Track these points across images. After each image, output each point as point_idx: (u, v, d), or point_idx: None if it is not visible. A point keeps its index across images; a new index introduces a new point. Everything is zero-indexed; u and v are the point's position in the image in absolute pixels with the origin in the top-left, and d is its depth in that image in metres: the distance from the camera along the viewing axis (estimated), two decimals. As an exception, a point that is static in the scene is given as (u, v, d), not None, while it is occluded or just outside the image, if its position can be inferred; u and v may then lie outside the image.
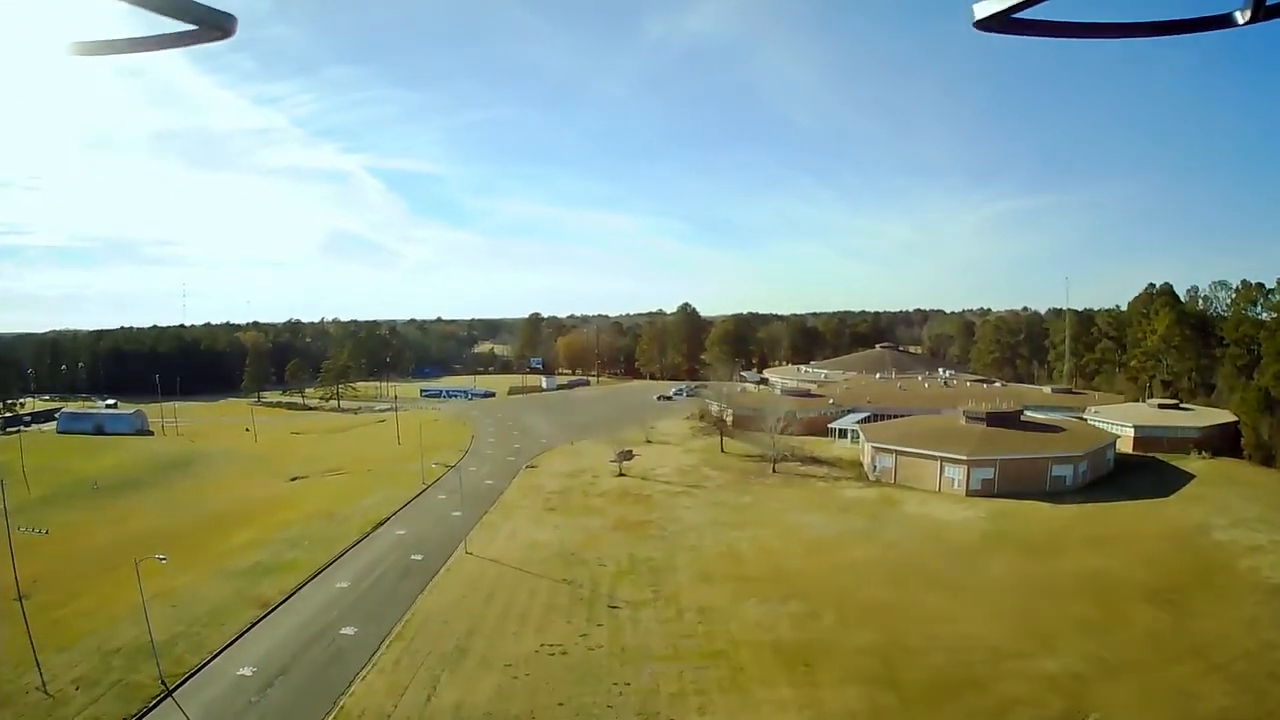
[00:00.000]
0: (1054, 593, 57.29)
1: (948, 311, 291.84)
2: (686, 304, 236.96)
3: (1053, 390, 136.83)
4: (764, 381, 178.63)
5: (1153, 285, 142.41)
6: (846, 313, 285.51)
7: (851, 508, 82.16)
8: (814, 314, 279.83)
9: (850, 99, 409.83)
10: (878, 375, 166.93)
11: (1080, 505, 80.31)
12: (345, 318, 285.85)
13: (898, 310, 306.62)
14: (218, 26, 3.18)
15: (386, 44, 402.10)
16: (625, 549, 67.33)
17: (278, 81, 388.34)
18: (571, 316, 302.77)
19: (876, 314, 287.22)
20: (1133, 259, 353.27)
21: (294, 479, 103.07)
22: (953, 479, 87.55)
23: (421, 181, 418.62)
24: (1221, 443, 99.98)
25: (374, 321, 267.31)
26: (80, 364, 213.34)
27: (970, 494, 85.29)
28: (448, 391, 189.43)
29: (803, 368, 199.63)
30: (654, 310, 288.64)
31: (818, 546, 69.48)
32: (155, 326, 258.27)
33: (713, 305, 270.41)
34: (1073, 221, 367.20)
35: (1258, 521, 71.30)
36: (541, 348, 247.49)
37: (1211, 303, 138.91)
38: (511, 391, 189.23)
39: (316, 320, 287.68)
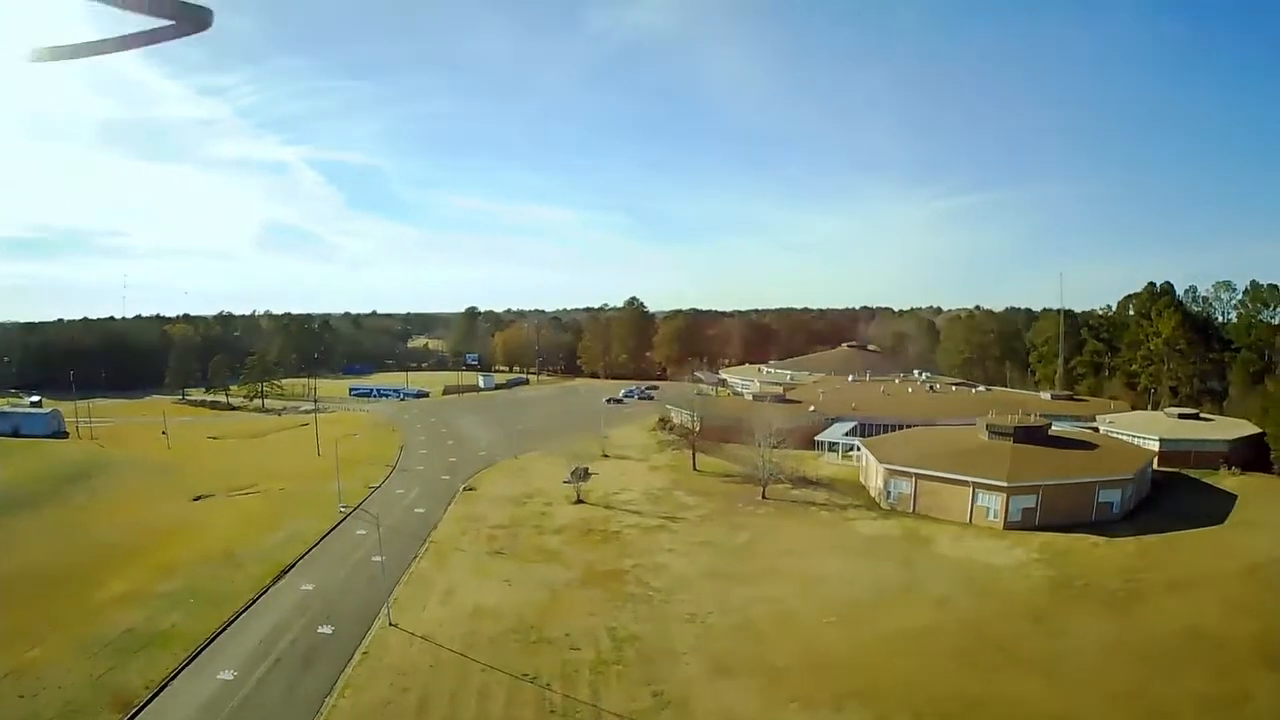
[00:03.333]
0: (1160, 661, 50.44)
1: (895, 309, 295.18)
2: (634, 299, 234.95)
3: (1052, 396, 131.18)
4: (722, 383, 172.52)
5: (1153, 285, 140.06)
6: (799, 309, 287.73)
7: (875, 549, 73.36)
8: (757, 310, 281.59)
9: (794, 93, 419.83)
10: (850, 378, 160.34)
11: (1138, 538, 74.01)
12: (281, 311, 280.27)
13: (843, 307, 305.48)
14: (194, 20, 3.24)
15: (332, 34, 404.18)
16: (602, 618, 55.24)
17: (224, 72, 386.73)
18: (509, 311, 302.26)
19: (824, 311, 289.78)
20: (1083, 257, 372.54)
21: (198, 498, 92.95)
22: (987, 508, 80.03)
23: (360, 174, 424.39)
24: (1248, 456, 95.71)
25: (307, 315, 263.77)
26: (5, 359, 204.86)
27: (1009, 526, 77.88)
28: (378, 390, 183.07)
29: (763, 368, 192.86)
30: (594, 305, 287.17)
31: (854, 610, 59.71)
32: (85, 319, 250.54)
33: (655, 301, 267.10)
34: (1023, 219, 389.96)
35: None
36: (478, 343, 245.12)
37: (1212, 305, 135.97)
38: (446, 391, 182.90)
39: (249, 313, 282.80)
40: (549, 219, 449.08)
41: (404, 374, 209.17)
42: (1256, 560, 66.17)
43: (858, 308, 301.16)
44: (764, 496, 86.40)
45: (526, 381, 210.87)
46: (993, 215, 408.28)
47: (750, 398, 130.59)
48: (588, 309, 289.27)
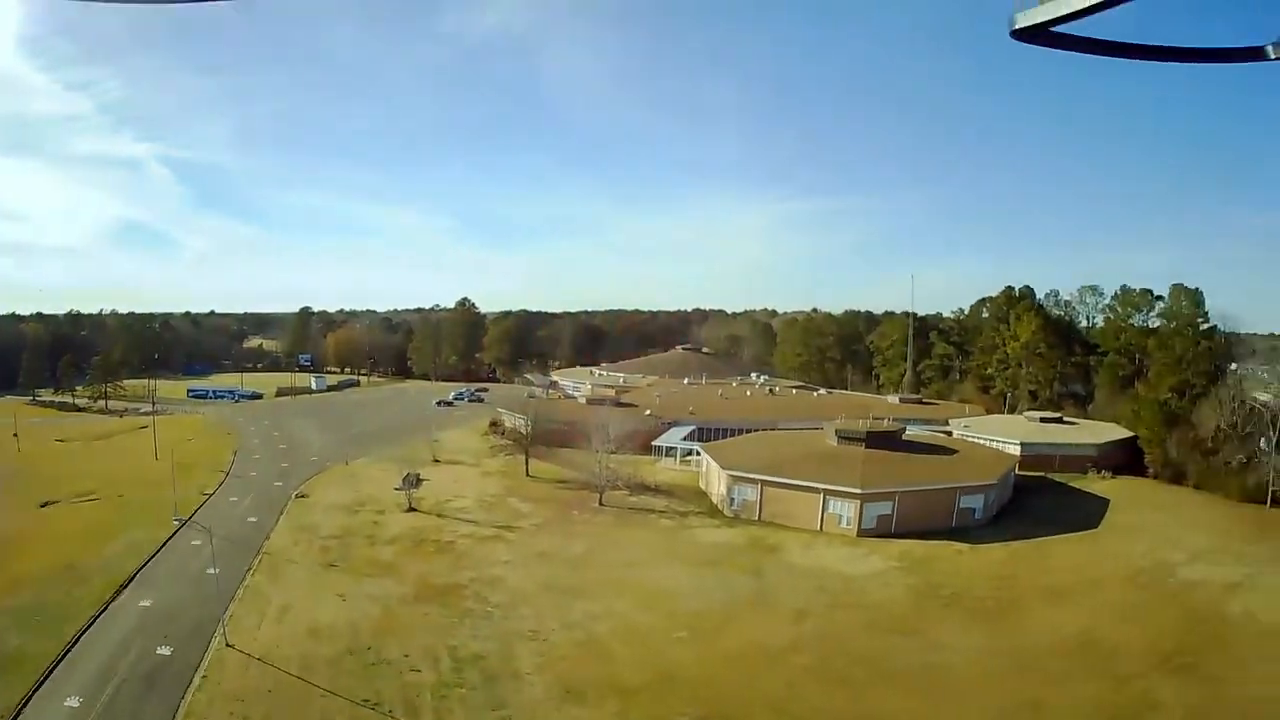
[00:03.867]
0: (1049, 671, 51.59)
1: (729, 312, 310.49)
2: (465, 299, 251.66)
3: (900, 400, 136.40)
4: (554, 385, 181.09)
5: (1011, 288, 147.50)
6: (630, 311, 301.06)
7: (720, 558, 73.57)
8: (587, 312, 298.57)
9: (635, 97, 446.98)
10: (686, 380, 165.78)
11: (1006, 544, 77.00)
12: (128, 310, 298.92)
13: (675, 309, 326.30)
14: None
15: (189, 28, 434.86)
16: (440, 636, 55.74)
17: (92, 66, 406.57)
18: (342, 311, 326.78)
19: (655, 313, 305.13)
20: (918, 263, 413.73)
21: (45, 504, 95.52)
22: (839, 516, 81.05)
23: (207, 172, 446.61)
24: (1119, 460, 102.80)
25: (150, 314, 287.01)
26: None
27: (863, 534, 79.28)
28: (214, 392, 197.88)
29: (595, 370, 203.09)
30: (426, 306, 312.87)
31: (705, 624, 58.93)
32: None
33: (489, 302, 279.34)
34: (854, 225, 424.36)
35: (1217, 553, 71.94)
36: (310, 344, 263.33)
37: (1075, 309, 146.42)
38: (280, 392, 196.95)
39: (96, 312, 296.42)
40: (384, 219, 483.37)
41: (239, 375, 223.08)
42: (1138, 566, 69.88)
43: (690, 310, 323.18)
44: (601, 504, 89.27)
45: (358, 383, 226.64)
46: (827, 221, 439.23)
47: (584, 401, 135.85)
48: (419, 309, 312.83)
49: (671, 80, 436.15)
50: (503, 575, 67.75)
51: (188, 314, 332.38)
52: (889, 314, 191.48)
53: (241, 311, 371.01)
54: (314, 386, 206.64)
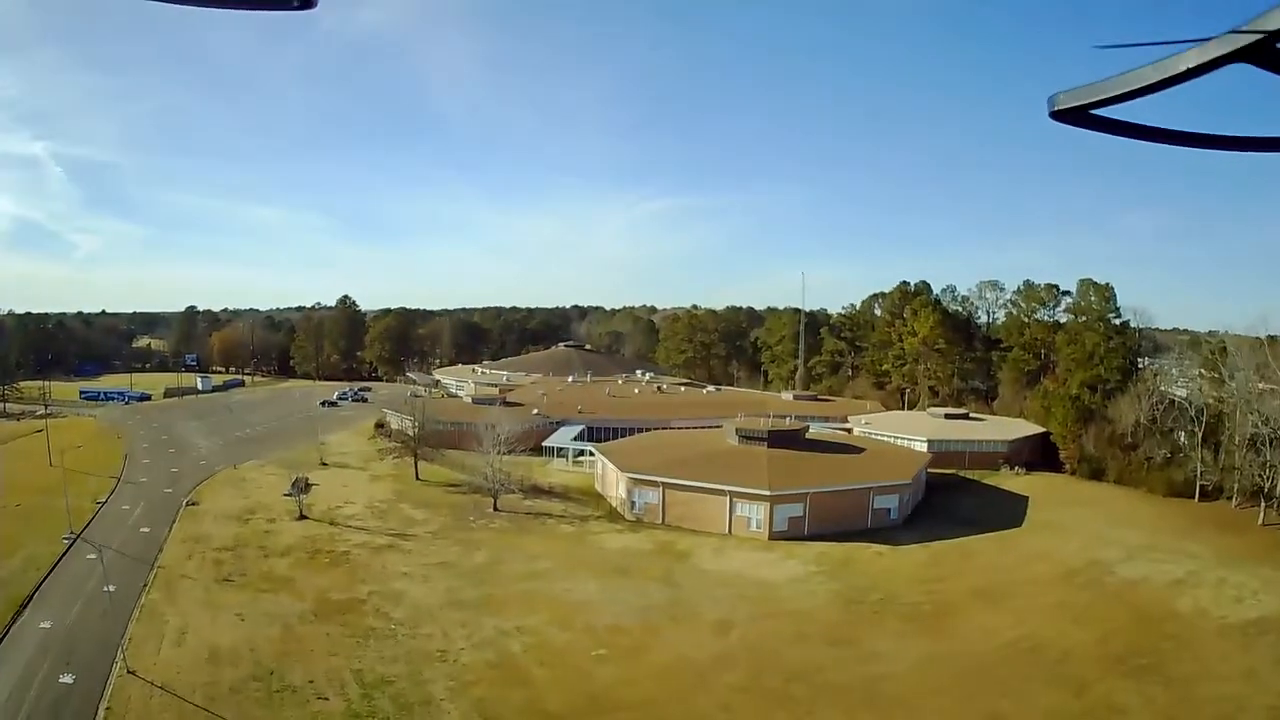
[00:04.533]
0: (996, 680, 49.76)
1: (607, 308, 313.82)
2: (346, 297, 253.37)
3: (794, 397, 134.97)
4: (436, 384, 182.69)
5: (906, 284, 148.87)
6: (509, 309, 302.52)
7: (629, 566, 70.62)
8: (465, 309, 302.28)
9: (510, 97, 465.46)
10: (570, 378, 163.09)
11: (926, 545, 75.84)
12: (23, 310, 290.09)
13: (553, 306, 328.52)
14: None
15: (84, 23, 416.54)
16: (345, 658, 52.79)
17: None
18: (226, 310, 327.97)
19: (532, 310, 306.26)
20: (800, 259, 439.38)
21: None
22: (749, 519, 78.57)
23: (99, 170, 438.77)
24: (1031, 456, 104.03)
25: (44, 315, 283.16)
26: None
27: (774, 537, 76.96)
28: (105, 394, 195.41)
29: (477, 368, 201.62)
30: (308, 304, 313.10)
31: (624, 639, 55.47)
32: None
33: (370, 300, 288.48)
34: (730, 222, 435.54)
35: (1153, 550, 72.54)
36: (196, 343, 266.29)
37: (974, 304, 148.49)
38: (167, 393, 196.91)
39: None
40: (263, 217, 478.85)
41: (128, 376, 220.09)
42: (1072, 565, 69.57)
43: (568, 306, 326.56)
44: (496, 509, 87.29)
45: (243, 383, 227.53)
46: (700, 217, 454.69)
47: (469, 400, 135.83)
48: (300, 308, 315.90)
49: (543, 79, 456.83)
50: (403, 589, 64.84)
51: (80, 314, 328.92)
52: (772, 309, 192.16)
53: (131, 311, 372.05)
54: (200, 387, 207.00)
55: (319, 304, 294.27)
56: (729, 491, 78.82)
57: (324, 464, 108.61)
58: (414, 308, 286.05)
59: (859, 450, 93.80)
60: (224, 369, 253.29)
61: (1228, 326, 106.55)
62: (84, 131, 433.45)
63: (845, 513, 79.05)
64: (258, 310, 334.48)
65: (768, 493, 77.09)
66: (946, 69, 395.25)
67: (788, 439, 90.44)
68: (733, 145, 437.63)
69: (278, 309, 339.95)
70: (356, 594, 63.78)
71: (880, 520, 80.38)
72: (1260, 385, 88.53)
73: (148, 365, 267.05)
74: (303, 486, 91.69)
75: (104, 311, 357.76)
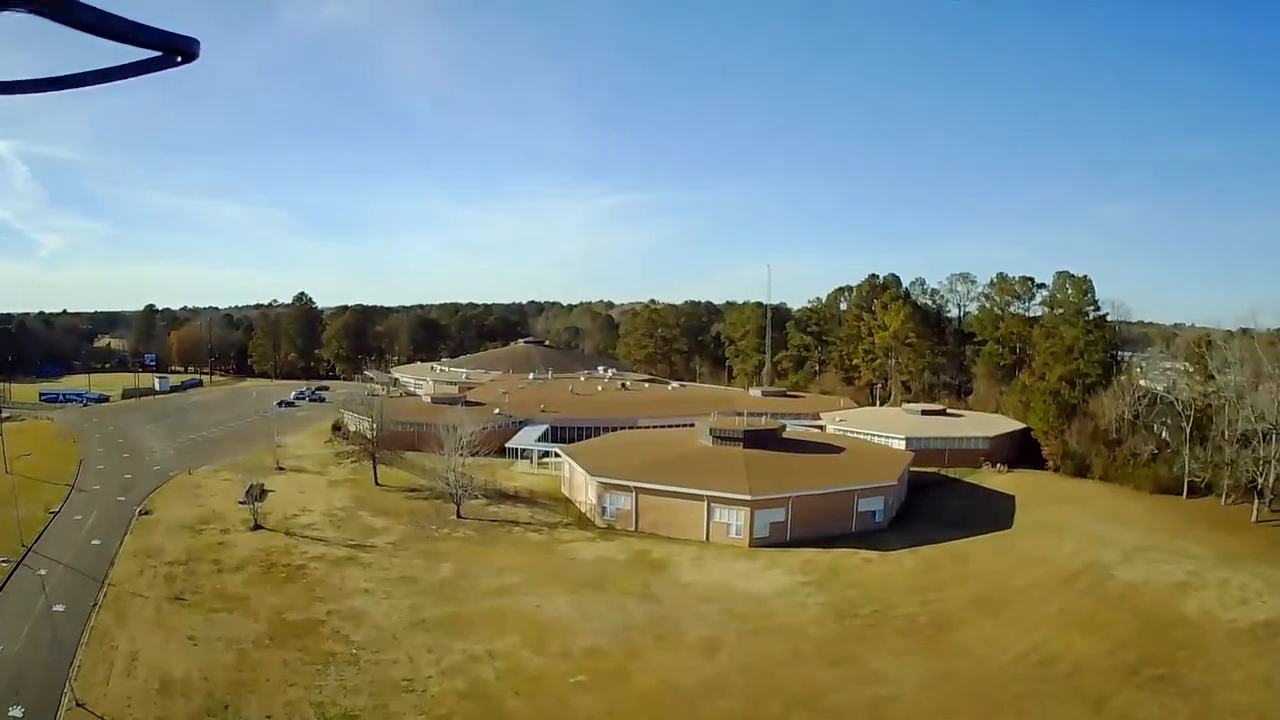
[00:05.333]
0: (1010, 697, 47.08)
1: (564, 304, 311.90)
2: (303, 294, 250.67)
3: (764, 394, 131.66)
4: (395, 382, 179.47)
5: (875, 276, 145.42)
6: (465, 304, 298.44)
7: (604, 578, 66.33)
8: (423, 305, 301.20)
9: (471, 91, 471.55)
10: (531, 375, 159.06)
11: (915, 550, 72.62)
12: None
13: (510, 302, 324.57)
14: (180, 51, 3.55)
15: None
16: (305, 688, 49.05)
17: None
18: (185, 309, 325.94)
19: (490, 306, 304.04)
20: (760, 253, 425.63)
21: None
22: (728, 525, 74.93)
23: (63, 168, 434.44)
24: (1012, 452, 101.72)
25: (7, 315, 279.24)
26: None
27: (755, 544, 73.29)
28: (64, 395, 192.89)
29: (436, 365, 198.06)
30: (266, 302, 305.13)
31: (604, 662, 51.46)
32: None
33: (327, 298, 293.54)
34: (684, 217, 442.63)
35: (1151, 551, 70.89)
36: (155, 343, 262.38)
37: (944, 297, 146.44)
38: (125, 394, 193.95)
39: None
40: (224, 214, 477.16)
41: (86, 377, 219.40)
42: (1070, 568, 67.12)
43: (525, 303, 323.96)
44: (459, 516, 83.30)
45: (200, 383, 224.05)
46: (658, 212, 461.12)
47: (429, 400, 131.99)
48: (258, 306, 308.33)
49: (503, 74, 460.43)
50: (364, 608, 60.80)
51: (41, 314, 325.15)
52: (731, 304, 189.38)
53: (92, 310, 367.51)
54: (158, 387, 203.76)
55: (275, 301, 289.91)
56: (707, 496, 74.97)
57: (280, 468, 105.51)
58: (371, 304, 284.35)
59: (839, 450, 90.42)
60: (183, 368, 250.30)
61: (1196, 320, 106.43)
62: (48, 129, 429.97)
63: (829, 517, 75.68)
64: (217, 308, 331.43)
65: (748, 497, 73.32)
66: (909, 60, 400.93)
67: (764, 439, 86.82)
68: (690, 141, 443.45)
69: (237, 307, 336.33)
70: (314, 614, 59.68)
71: (865, 524, 77.12)
72: (1253, 379, 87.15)
73: (108, 365, 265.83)
74: (257, 494, 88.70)
75: (65, 311, 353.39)
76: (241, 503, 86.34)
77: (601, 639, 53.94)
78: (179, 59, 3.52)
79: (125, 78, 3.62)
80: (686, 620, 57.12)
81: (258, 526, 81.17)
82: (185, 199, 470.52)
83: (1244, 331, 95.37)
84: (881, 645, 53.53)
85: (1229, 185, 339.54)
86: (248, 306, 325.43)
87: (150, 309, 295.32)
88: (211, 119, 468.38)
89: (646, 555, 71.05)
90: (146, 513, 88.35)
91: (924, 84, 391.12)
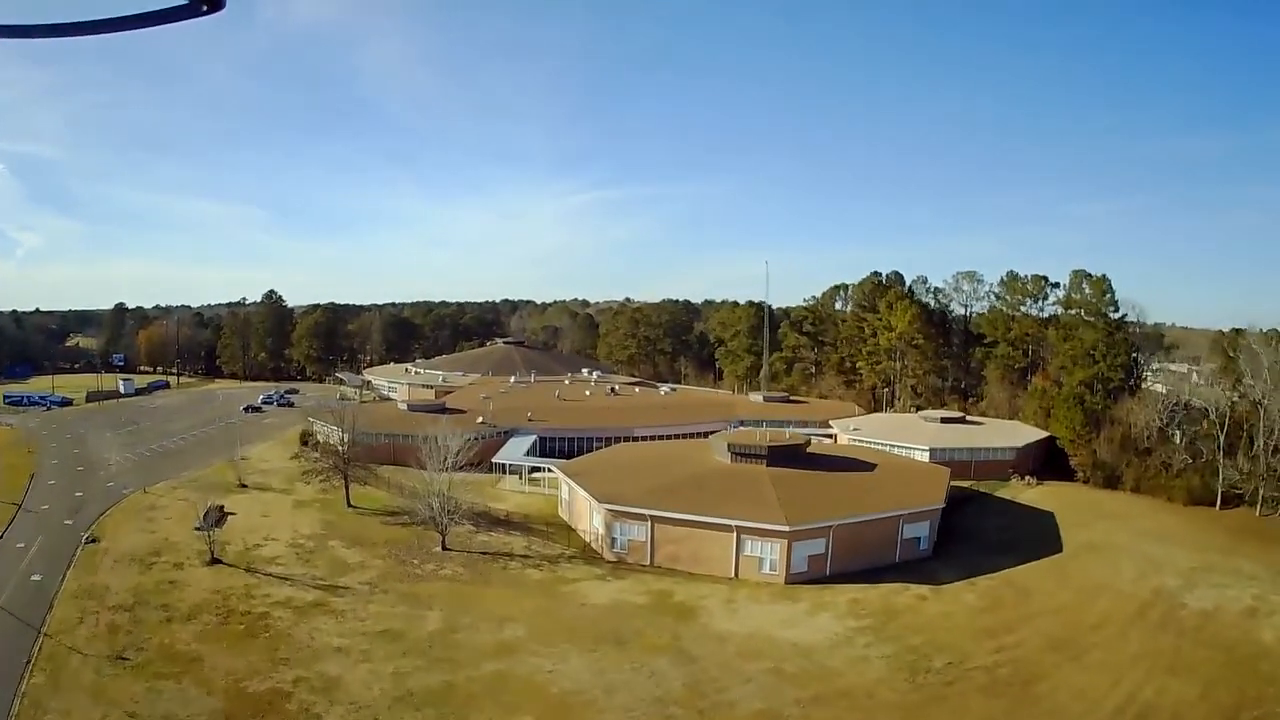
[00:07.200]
0: None
1: (539, 302, 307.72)
2: (273, 292, 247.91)
3: (765, 398, 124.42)
4: (368, 385, 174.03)
5: (878, 274, 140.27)
6: (439, 303, 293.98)
7: (624, 630, 57.24)
8: (395, 304, 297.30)
9: (447, 87, 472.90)
10: (513, 379, 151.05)
11: (970, 582, 65.94)
12: None
13: (483, 301, 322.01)
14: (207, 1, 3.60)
15: (20, 16, 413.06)
16: None
17: None
18: (157, 307, 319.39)
19: (463, 304, 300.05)
20: (720, 251, 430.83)
21: None
22: (761, 560, 67.01)
23: (40, 166, 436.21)
24: (1037, 463, 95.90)
25: None
26: None
27: (792, 580, 65.62)
28: (28, 398, 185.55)
29: (410, 367, 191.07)
30: (237, 300, 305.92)
31: None
32: None
33: (298, 296, 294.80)
34: (659, 213, 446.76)
35: (1209, 572, 67.81)
36: (125, 342, 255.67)
37: (950, 296, 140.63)
38: (89, 398, 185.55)
39: None
40: (198, 210, 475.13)
41: (50, 378, 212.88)
42: (1138, 597, 62.26)
43: (499, 301, 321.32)
44: (444, 547, 73.72)
45: (167, 385, 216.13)
46: (638, 207, 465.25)
47: (404, 407, 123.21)
48: (229, 304, 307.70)
49: (478, 70, 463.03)
50: (338, 674, 50.99)
51: (14, 313, 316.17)
52: (709, 302, 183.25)
53: (65, 309, 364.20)
54: (122, 390, 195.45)
55: (244, 299, 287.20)
56: (736, 526, 66.87)
57: (242, 485, 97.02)
58: (343, 303, 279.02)
59: (870, 467, 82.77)
60: (151, 369, 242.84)
61: (1187, 321, 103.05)
62: (26, 127, 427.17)
63: (872, 547, 68.58)
64: (189, 307, 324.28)
65: (785, 528, 65.30)
66: (894, 53, 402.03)
67: (790, 455, 79.06)
68: (662, 137, 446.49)
69: (208, 305, 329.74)
70: (279, 682, 50.44)
71: (909, 552, 70.12)
72: None
73: (77, 365, 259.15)
74: (216, 518, 79.75)
75: (38, 310, 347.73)
76: (198, 529, 76.63)
77: (634, 716, 45.59)
78: (205, 8, 3.57)
79: (148, 26, 3.54)
80: (732, 685, 48.99)
81: (215, 560, 72.08)
82: (161, 196, 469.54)
83: (1270, 333, 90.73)
84: (968, 709, 46.59)
85: (1212, 182, 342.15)
86: (219, 305, 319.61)
87: (120, 308, 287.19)
88: (185, 115, 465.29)
89: (669, 598, 62.74)
90: (94, 540, 79.60)
91: (899, 78, 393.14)
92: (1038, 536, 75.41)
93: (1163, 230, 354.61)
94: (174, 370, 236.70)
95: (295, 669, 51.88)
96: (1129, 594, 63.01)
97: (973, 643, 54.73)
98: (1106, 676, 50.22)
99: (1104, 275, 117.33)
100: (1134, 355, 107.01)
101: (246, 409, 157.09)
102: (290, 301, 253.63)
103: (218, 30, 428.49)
